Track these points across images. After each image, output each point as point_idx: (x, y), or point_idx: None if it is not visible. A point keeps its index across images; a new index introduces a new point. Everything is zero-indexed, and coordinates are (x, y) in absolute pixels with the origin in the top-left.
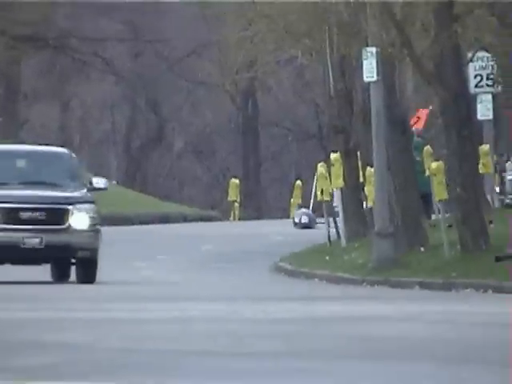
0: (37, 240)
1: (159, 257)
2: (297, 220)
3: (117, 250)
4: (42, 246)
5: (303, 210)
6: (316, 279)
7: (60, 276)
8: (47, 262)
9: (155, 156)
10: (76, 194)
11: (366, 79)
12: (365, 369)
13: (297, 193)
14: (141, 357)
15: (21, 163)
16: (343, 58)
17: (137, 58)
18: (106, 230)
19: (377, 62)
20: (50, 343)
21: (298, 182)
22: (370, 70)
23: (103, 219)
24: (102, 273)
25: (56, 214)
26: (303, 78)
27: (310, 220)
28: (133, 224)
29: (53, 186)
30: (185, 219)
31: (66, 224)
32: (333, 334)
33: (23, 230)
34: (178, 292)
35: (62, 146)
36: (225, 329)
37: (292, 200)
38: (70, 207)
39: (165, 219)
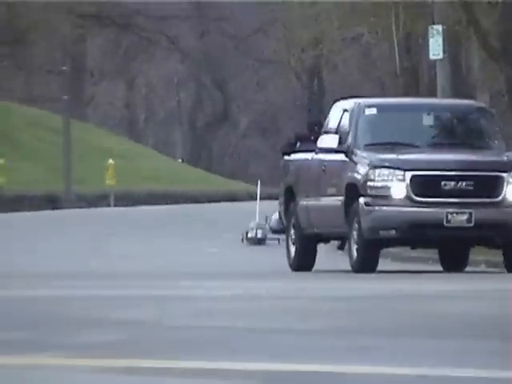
0: (464, 217)
1: (224, 235)
2: (250, 234)
3: (182, 228)
4: (471, 225)
5: (258, 222)
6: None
7: (452, 263)
8: (477, 244)
9: (220, 134)
10: (509, 158)
11: (431, 57)
12: (428, 346)
13: None
14: (207, 334)
15: (428, 120)
16: (409, 36)
17: (202, 36)
18: (170, 209)
19: (443, 40)
20: (115, 320)
21: None
22: (436, 48)
23: (166, 197)
24: (165, 249)
25: (488, 184)
26: (369, 56)
27: (263, 234)
28: (198, 202)
29: (476, 148)
30: (251, 197)
31: (500, 197)
32: (396, 311)
33: (446, 204)
34: (241, 269)
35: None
36: (289, 306)
37: None
38: (504, 175)
39: (231, 197)
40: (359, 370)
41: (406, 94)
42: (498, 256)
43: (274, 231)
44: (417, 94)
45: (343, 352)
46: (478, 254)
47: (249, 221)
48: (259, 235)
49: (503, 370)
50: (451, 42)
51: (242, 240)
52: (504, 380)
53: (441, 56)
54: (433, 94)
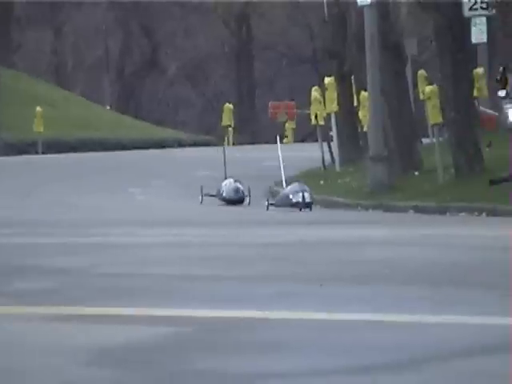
0: None
1: (155, 182)
2: (294, 199)
3: (110, 175)
4: None
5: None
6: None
7: None
8: None
9: (148, 81)
10: None
11: (360, 3)
12: (356, 291)
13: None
14: (140, 281)
15: None
16: None
17: None
18: (98, 156)
19: None
20: (48, 268)
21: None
22: None
23: (95, 144)
24: (97, 198)
25: None
26: (297, 3)
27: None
28: (127, 149)
29: None
30: (179, 144)
31: None
32: (326, 258)
33: None
34: (172, 217)
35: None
36: (220, 254)
37: (286, 124)
38: None
39: (159, 144)
40: (288, 315)
41: (334, 41)
42: (425, 201)
43: (228, 200)
44: (345, 41)
45: (273, 298)
46: (406, 200)
47: (181, 168)
48: (308, 199)
49: (435, 315)
50: None
51: (268, 206)
52: (435, 324)
53: (368, 2)
54: (361, 41)
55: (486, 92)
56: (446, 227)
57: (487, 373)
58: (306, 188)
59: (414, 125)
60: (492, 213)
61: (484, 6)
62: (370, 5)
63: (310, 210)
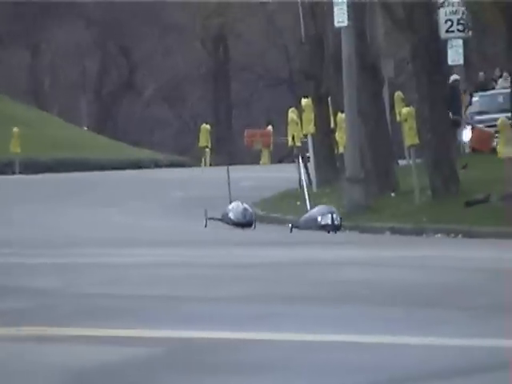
0: None
1: (132, 202)
2: (324, 221)
3: (88, 196)
4: None
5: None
6: (288, 224)
7: None
8: None
9: (126, 102)
10: None
11: (336, 25)
12: (332, 312)
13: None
14: (115, 302)
15: None
16: (314, 4)
17: (108, 3)
18: (75, 176)
19: (348, 8)
20: (23, 288)
21: (269, 128)
22: (340, 16)
23: (72, 165)
24: (71, 217)
25: None
26: (274, 24)
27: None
28: (104, 170)
29: None
30: (156, 165)
31: None
32: (304, 279)
33: None
34: (150, 237)
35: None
36: (196, 274)
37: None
38: None
39: (136, 165)
40: (266, 336)
41: (311, 63)
42: (402, 223)
43: (236, 224)
44: (322, 62)
45: (249, 319)
46: (382, 222)
47: (158, 188)
48: (336, 221)
49: (413, 336)
50: (356, 10)
51: (291, 230)
52: (414, 345)
53: (345, 24)
54: (338, 62)
55: (461, 113)
56: (422, 249)
57: None
58: (334, 209)
59: (391, 146)
60: (468, 234)
61: (460, 28)
62: (347, 26)
63: (335, 232)
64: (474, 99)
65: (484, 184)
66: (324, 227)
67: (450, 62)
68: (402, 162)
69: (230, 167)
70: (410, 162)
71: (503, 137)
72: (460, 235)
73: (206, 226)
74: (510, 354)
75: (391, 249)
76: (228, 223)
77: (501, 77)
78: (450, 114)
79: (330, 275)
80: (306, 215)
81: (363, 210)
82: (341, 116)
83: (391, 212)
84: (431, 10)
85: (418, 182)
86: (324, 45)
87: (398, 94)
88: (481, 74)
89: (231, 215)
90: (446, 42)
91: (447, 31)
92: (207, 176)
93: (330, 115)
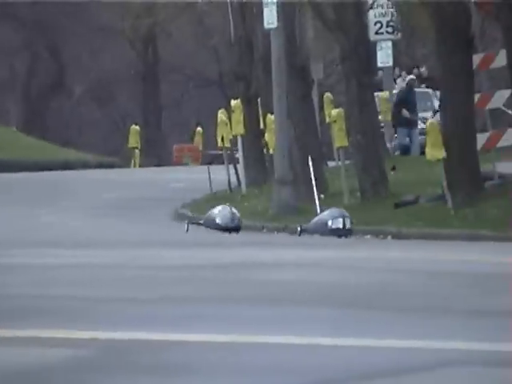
0: None
1: (60, 203)
2: (334, 225)
3: (16, 197)
4: None
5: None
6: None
7: None
8: None
9: (55, 102)
10: None
11: (266, 26)
12: (265, 313)
13: (197, 139)
14: (48, 303)
15: None
16: (244, 5)
17: (35, 3)
18: (1, 177)
19: (277, 9)
20: None
21: (199, 129)
22: (270, 17)
23: (3, 165)
24: (1, 219)
25: None
26: (204, 25)
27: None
28: (32, 171)
29: None
30: (85, 166)
31: None
32: (233, 280)
33: None
34: (80, 239)
35: None
36: (128, 275)
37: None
38: None
39: (65, 166)
40: (193, 338)
41: (240, 64)
42: None
43: (224, 228)
44: (251, 64)
45: (179, 321)
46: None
47: (87, 189)
48: (348, 225)
49: (340, 337)
50: (286, 12)
51: (300, 234)
52: (338, 347)
53: (275, 25)
54: (267, 64)
55: (389, 115)
56: (351, 250)
57: None
58: (346, 213)
59: (320, 148)
60: (397, 236)
61: (390, 30)
62: (277, 28)
63: (346, 237)
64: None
65: (412, 186)
66: (335, 231)
67: (379, 64)
68: (331, 164)
69: (160, 168)
70: (339, 163)
71: (431, 139)
72: (389, 236)
73: (187, 231)
74: (439, 355)
75: (319, 250)
76: (213, 228)
77: (400, 76)
78: (407, 113)
79: (258, 276)
80: (316, 219)
81: (292, 212)
82: (270, 117)
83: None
84: (361, 12)
85: (347, 184)
86: (253, 46)
87: (327, 96)
88: (380, 72)
89: (218, 220)
90: (375, 43)
91: (376, 33)
92: (137, 177)
93: (260, 116)
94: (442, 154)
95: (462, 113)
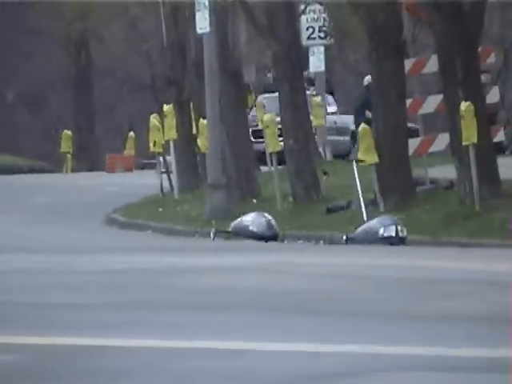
0: None
1: None
2: (386, 233)
3: None
4: None
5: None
6: (149, 231)
7: None
8: None
9: None
10: None
11: (198, 31)
12: (198, 319)
13: (130, 144)
14: None
15: None
16: (176, 9)
17: None
18: None
19: (209, 14)
20: None
21: (131, 134)
22: (202, 22)
23: None
24: None
25: None
26: (136, 29)
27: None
28: None
29: None
30: (17, 170)
31: None
32: (163, 285)
33: None
34: (10, 243)
35: None
36: (59, 281)
37: (125, 152)
38: None
39: None
40: (126, 343)
41: (172, 68)
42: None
43: (260, 237)
44: (184, 68)
45: (112, 326)
46: None
47: (18, 194)
48: (402, 233)
49: (273, 342)
50: (218, 16)
51: (346, 242)
52: (272, 352)
53: (207, 30)
54: (200, 68)
55: (323, 120)
56: (283, 255)
57: None
58: (397, 220)
59: (253, 152)
60: (329, 241)
61: (322, 35)
62: (209, 32)
63: (399, 246)
64: (258, 100)
65: (345, 191)
66: (387, 240)
67: (311, 69)
68: (264, 169)
69: (92, 173)
70: (272, 168)
71: (363, 144)
72: (321, 241)
73: (213, 240)
74: (384, 360)
75: (251, 255)
76: (246, 236)
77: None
78: (370, 114)
79: (189, 282)
80: (364, 226)
81: (225, 216)
82: (202, 122)
83: None
84: (293, 17)
85: (279, 189)
86: (186, 51)
87: (259, 101)
88: (268, 74)
89: (253, 228)
90: (307, 48)
91: (309, 38)
92: (69, 182)
93: (192, 121)
94: (374, 158)
95: (393, 118)
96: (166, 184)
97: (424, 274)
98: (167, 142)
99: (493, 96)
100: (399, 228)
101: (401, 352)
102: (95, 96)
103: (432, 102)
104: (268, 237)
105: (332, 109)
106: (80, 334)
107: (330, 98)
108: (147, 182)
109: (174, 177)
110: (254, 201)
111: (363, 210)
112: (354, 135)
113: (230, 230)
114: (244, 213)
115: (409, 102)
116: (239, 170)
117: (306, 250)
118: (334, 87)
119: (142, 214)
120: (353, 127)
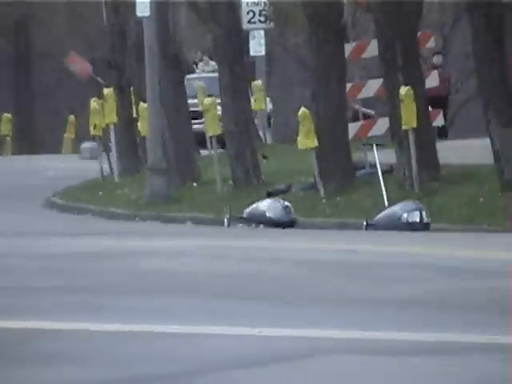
0: None
1: None
2: (410, 218)
3: None
4: None
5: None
6: (89, 214)
7: None
8: None
9: None
10: None
11: (138, 14)
12: (132, 302)
13: (70, 128)
14: None
15: None
16: None
17: None
18: None
19: None
20: None
21: (72, 117)
22: (142, 6)
23: None
24: None
25: None
26: (77, 12)
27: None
28: None
29: None
30: None
31: None
32: (104, 269)
33: None
34: None
35: None
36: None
37: (65, 135)
38: None
39: None
40: (69, 326)
41: (113, 52)
42: (203, 213)
43: (277, 223)
44: (124, 52)
45: (49, 309)
46: (184, 212)
47: None
48: (426, 219)
49: (211, 326)
50: (159, 1)
51: (366, 228)
52: (208, 335)
53: (147, 13)
54: (140, 52)
55: (263, 104)
56: (224, 239)
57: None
58: (422, 206)
59: (193, 136)
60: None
61: (262, 19)
62: (149, 16)
63: (423, 231)
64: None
65: (285, 174)
66: (411, 225)
67: (251, 53)
68: (205, 153)
69: (32, 156)
70: (213, 152)
71: (303, 128)
72: (261, 225)
73: (228, 226)
74: (312, 344)
75: (192, 238)
76: (262, 222)
77: (201, 60)
78: None
79: (130, 265)
80: (386, 212)
81: (165, 200)
82: (143, 105)
83: (193, 202)
84: (234, 1)
85: (219, 172)
86: (126, 34)
87: (199, 85)
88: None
89: (270, 214)
90: (248, 32)
91: (249, 22)
92: (8, 165)
93: (133, 105)
94: (314, 142)
95: (333, 102)
96: (106, 167)
97: (362, 258)
98: (107, 125)
99: (432, 80)
100: (423, 213)
101: (339, 336)
102: (35, 79)
103: (372, 87)
104: (285, 223)
105: None
106: (11, 317)
107: None
108: (87, 165)
109: (113, 160)
110: (195, 184)
111: (384, 196)
112: None
113: (245, 215)
114: (183, 196)
115: (349, 86)
116: (179, 153)
117: (246, 233)
118: (273, 71)
119: (82, 197)
120: None
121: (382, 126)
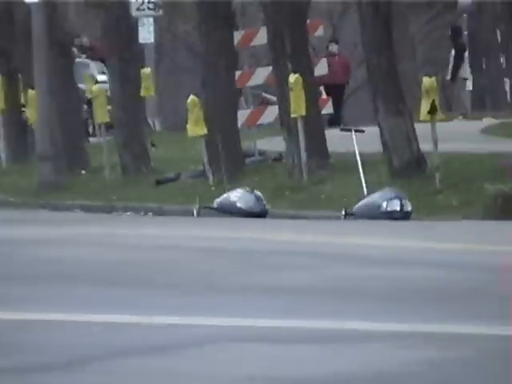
0: None
1: None
2: (389, 207)
3: None
4: None
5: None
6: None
7: None
8: None
9: None
10: None
11: (27, 1)
12: (24, 291)
13: None
14: None
15: None
16: None
17: None
18: None
19: None
20: None
21: None
22: None
23: None
24: None
25: None
26: None
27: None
28: None
29: None
30: None
31: None
32: (10, 258)
33: None
34: None
35: None
36: None
37: None
38: None
39: None
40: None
41: (1, 38)
42: (92, 200)
43: (248, 214)
44: (13, 38)
45: None
46: (73, 199)
47: None
48: (407, 207)
49: (94, 314)
50: None
51: (345, 217)
52: (93, 323)
53: (36, 0)
54: (28, 38)
55: (152, 91)
56: (111, 226)
57: (151, 371)
58: (402, 194)
59: (82, 123)
60: (158, 212)
61: (151, 6)
62: (37, 3)
63: (404, 220)
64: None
65: (175, 162)
66: (390, 214)
67: (140, 41)
68: (94, 140)
69: None
70: (101, 139)
71: (192, 115)
72: (150, 213)
73: (198, 215)
74: (207, 331)
75: (81, 226)
76: (232, 213)
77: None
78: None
79: (26, 254)
80: (364, 201)
81: (53, 188)
82: (31, 92)
83: (82, 189)
84: None
85: (108, 160)
86: (14, 20)
87: (86, 73)
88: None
89: (240, 204)
90: (137, 20)
91: (138, 9)
92: None
93: (21, 91)
94: (203, 130)
95: (223, 89)
96: None
97: (254, 246)
98: None
99: (321, 68)
100: (404, 202)
101: (231, 324)
102: None
103: (261, 75)
104: (256, 213)
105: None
106: None
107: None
108: None
109: (1, 147)
110: (83, 172)
111: (364, 186)
112: None
113: (216, 206)
114: (72, 184)
115: (238, 74)
116: (68, 141)
117: (134, 221)
118: (163, 58)
119: None
120: None
121: (271, 113)
